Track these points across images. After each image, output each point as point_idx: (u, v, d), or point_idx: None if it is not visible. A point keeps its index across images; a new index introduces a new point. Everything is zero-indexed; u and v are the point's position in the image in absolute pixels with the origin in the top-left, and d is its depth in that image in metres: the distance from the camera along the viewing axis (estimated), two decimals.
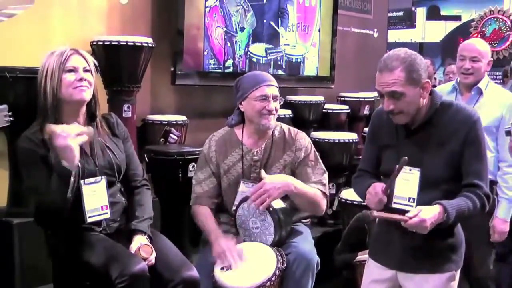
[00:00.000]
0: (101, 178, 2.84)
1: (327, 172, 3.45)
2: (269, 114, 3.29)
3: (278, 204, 3.21)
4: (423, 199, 2.58)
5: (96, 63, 2.93)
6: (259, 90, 3.28)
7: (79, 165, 2.69)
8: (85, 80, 2.78)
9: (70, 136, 2.54)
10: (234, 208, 3.28)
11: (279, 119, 3.51)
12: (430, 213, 2.46)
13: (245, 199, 3.23)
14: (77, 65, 2.78)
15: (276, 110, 3.33)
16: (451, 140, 2.60)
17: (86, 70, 2.80)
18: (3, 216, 3.55)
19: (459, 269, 2.75)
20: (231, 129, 3.46)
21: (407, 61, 2.53)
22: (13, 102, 3.22)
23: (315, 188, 3.32)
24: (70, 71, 2.76)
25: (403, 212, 2.55)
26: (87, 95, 2.80)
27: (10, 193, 3.62)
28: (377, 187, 2.63)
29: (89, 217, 2.81)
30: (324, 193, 3.37)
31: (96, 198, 2.82)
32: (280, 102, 3.37)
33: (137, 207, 3.01)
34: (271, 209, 3.15)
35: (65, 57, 2.76)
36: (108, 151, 2.92)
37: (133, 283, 2.58)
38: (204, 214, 3.32)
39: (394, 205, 2.65)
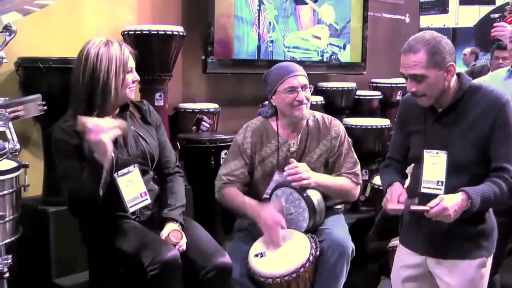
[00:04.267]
0: (134, 167, 2.86)
1: (359, 162, 3.45)
2: (300, 105, 3.27)
3: (312, 190, 3.20)
4: (453, 183, 2.55)
5: None
6: (286, 82, 3.27)
7: (113, 155, 2.74)
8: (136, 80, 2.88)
9: (103, 131, 2.56)
10: (267, 196, 3.28)
11: (311, 106, 3.49)
12: (452, 201, 2.41)
13: (278, 186, 3.23)
14: (133, 65, 2.85)
15: (308, 100, 3.31)
16: (480, 123, 2.56)
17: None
18: (39, 205, 3.59)
19: (491, 256, 2.70)
20: (265, 120, 3.45)
21: (430, 44, 2.50)
22: (46, 92, 3.24)
23: (345, 178, 3.34)
24: (129, 72, 2.81)
25: (432, 197, 2.52)
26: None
27: (45, 182, 3.66)
28: (394, 194, 2.62)
29: (131, 207, 2.85)
30: (356, 183, 3.37)
31: (133, 187, 2.85)
32: (310, 90, 3.35)
33: (169, 195, 3.02)
34: (305, 194, 3.15)
35: (127, 57, 2.80)
36: (141, 140, 2.94)
37: (165, 270, 2.60)
38: (234, 192, 3.31)
39: (423, 190, 2.63)
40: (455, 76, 2.59)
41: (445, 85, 2.55)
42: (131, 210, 2.85)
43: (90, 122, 2.57)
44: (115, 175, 2.79)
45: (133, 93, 2.87)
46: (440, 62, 2.50)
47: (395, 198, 2.59)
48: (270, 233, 3.10)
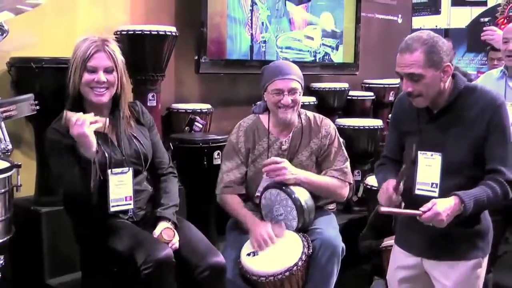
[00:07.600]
0: (128, 169, 2.86)
1: (349, 160, 3.45)
2: (285, 108, 3.27)
3: (299, 189, 3.21)
4: (447, 185, 2.54)
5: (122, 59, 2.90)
6: (274, 84, 3.27)
7: (106, 155, 2.73)
8: (104, 82, 2.77)
9: (85, 124, 2.55)
10: (257, 194, 3.30)
11: (303, 106, 3.49)
12: (444, 206, 2.40)
13: (266, 189, 3.24)
14: (99, 64, 2.76)
15: (296, 103, 3.29)
16: (474, 124, 2.55)
17: (108, 71, 2.78)
18: (31, 205, 3.58)
19: (486, 256, 2.70)
20: (257, 118, 3.46)
21: (428, 43, 2.48)
22: (39, 92, 3.24)
23: (332, 176, 3.34)
24: (90, 71, 2.75)
25: (426, 199, 2.51)
26: (105, 98, 2.81)
27: (38, 182, 3.66)
28: (389, 184, 2.58)
29: (112, 206, 2.84)
30: (344, 181, 3.37)
31: (121, 188, 2.84)
32: (299, 94, 3.31)
33: (163, 195, 3.02)
34: (293, 196, 3.16)
35: (89, 55, 2.74)
36: (134, 140, 2.93)
37: (158, 269, 2.60)
38: (235, 203, 3.34)
39: (417, 192, 2.63)
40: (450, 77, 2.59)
41: (441, 86, 2.54)
42: (112, 209, 2.84)
43: (74, 116, 2.57)
44: (109, 171, 2.79)
45: (100, 97, 2.78)
46: (437, 62, 2.49)
47: (390, 187, 2.56)
48: (260, 247, 3.14)
